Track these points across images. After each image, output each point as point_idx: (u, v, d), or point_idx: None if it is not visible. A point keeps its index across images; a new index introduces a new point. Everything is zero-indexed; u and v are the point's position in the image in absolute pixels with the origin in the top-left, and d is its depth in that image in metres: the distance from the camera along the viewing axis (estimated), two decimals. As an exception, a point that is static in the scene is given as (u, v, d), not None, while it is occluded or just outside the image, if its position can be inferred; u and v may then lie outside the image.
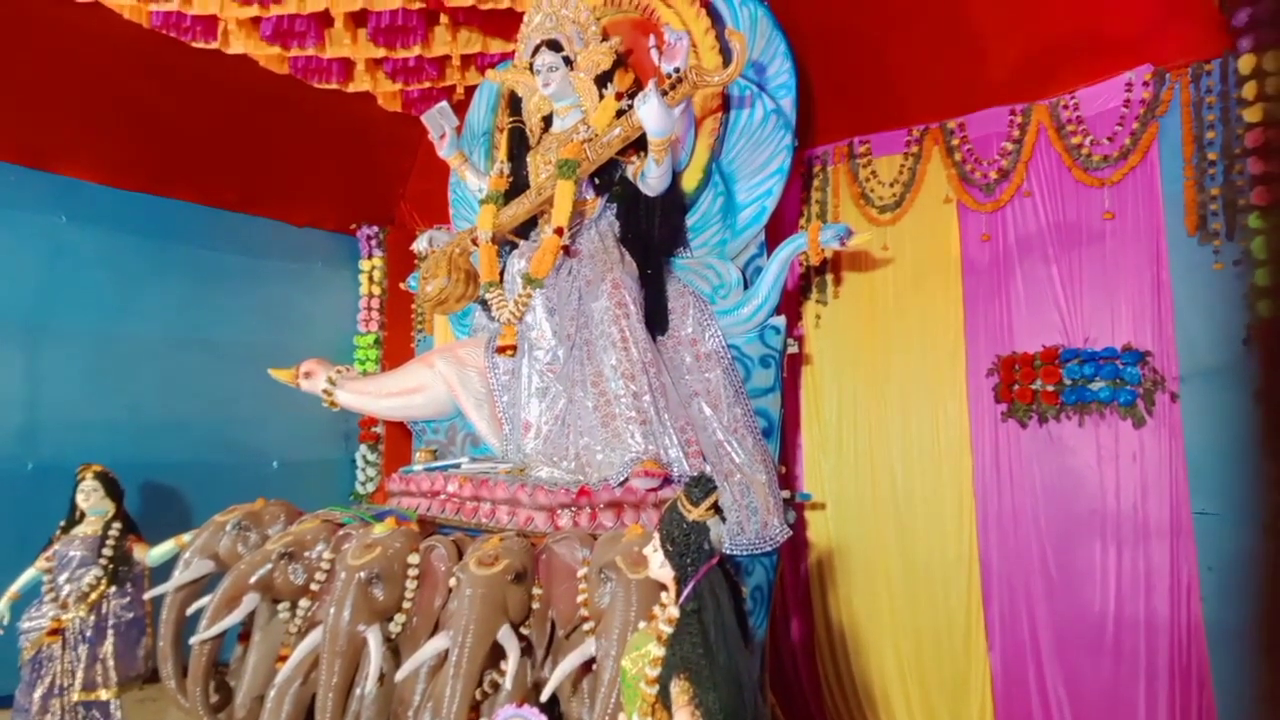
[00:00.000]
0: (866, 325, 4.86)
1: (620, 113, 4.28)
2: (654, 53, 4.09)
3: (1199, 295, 3.89)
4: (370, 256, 7.37)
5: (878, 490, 4.74)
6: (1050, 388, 4.21)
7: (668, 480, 3.97)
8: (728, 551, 2.50)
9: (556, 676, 3.05)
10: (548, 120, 4.75)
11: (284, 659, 3.62)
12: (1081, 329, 4.25)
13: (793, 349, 4.69)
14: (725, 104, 4.47)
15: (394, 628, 3.44)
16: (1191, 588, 3.82)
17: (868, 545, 4.77)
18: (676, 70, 3.87)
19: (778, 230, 4.66)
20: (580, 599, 3.19)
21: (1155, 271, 4.04)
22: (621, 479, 3.92)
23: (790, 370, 4.79)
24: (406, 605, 3.44)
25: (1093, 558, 4.10)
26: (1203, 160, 3.92)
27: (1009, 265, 4.49)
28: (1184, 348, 3.93)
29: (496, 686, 3.23)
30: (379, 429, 7.20)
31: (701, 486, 2.41)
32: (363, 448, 7.22)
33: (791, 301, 4.99)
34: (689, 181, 4.47)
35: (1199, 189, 3.91)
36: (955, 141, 4.64)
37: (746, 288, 4.47)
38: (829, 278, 5.01)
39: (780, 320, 4.43)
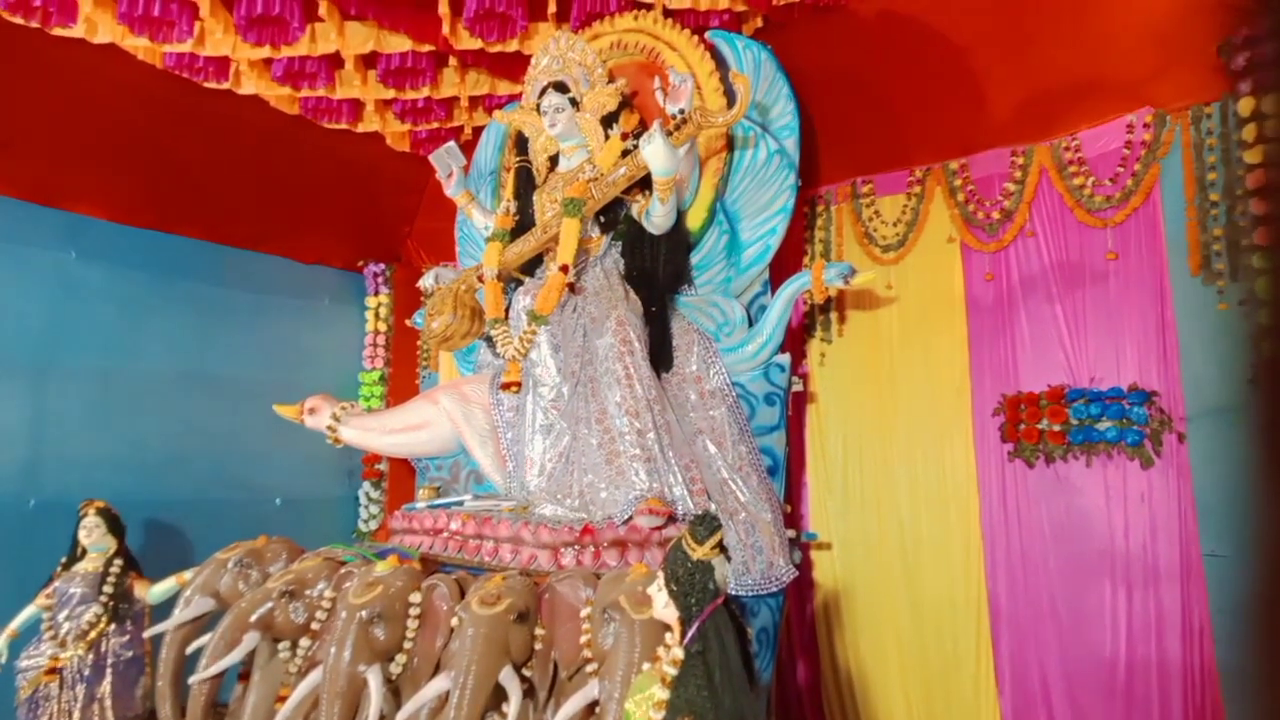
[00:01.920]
0: (871, 363, 4.86)
1: (625, 152, 4.34)
2: (659, 94, 4.15)
3: (1204, 335, 3.89)
4: (377, 293, 7.41)
5: (884, 529, 4.70)
6: (1057, 427, 4.19)
7: (672, 518, 3.94)
8: (733, 592, 2.47)
9: (560, 719, 3.01)
10: (554, 160, 4.81)
11: (284, 699, 3.57)
12: (1087, 368, 4.24)
13: (797, 387, 4.68)
14: (730, 144, 4.52)
15: (395, 668, 3.39)
16: (1204, 630, 3.77)
17: (874, 586, 4.71)
18: (681, 111, 3.93)
19: (782, 269, 4.69)
20: (584, 639, 3.15)
21: (1160, 311, 4.05)
22: (626, 517, 3.90)
23: (795, 408, 4.78)
24: (408, 645, 3.40)
25: (1103, 600, 4.05)
26: (1205, 201, 3.94)
27: (1013, 304, 4.50)
28: (1190, 388, 3.92)
29: (498, 729, 3.18)
30: (382, 466, 7.18)
31: (706, 525, 2.39)
32: (366, 485, 7.19)
33: (796, 339, 5.00)
34: (694, 220, 4.51)
35: (1202, 229, 3.93)
36: (958, 182, 4.68)
37: (751, 325, 4.48)
38: (833, 316, 5.02)
39: (785, 358, 4.44)
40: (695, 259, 4.60)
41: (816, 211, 5.20)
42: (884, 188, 4.99)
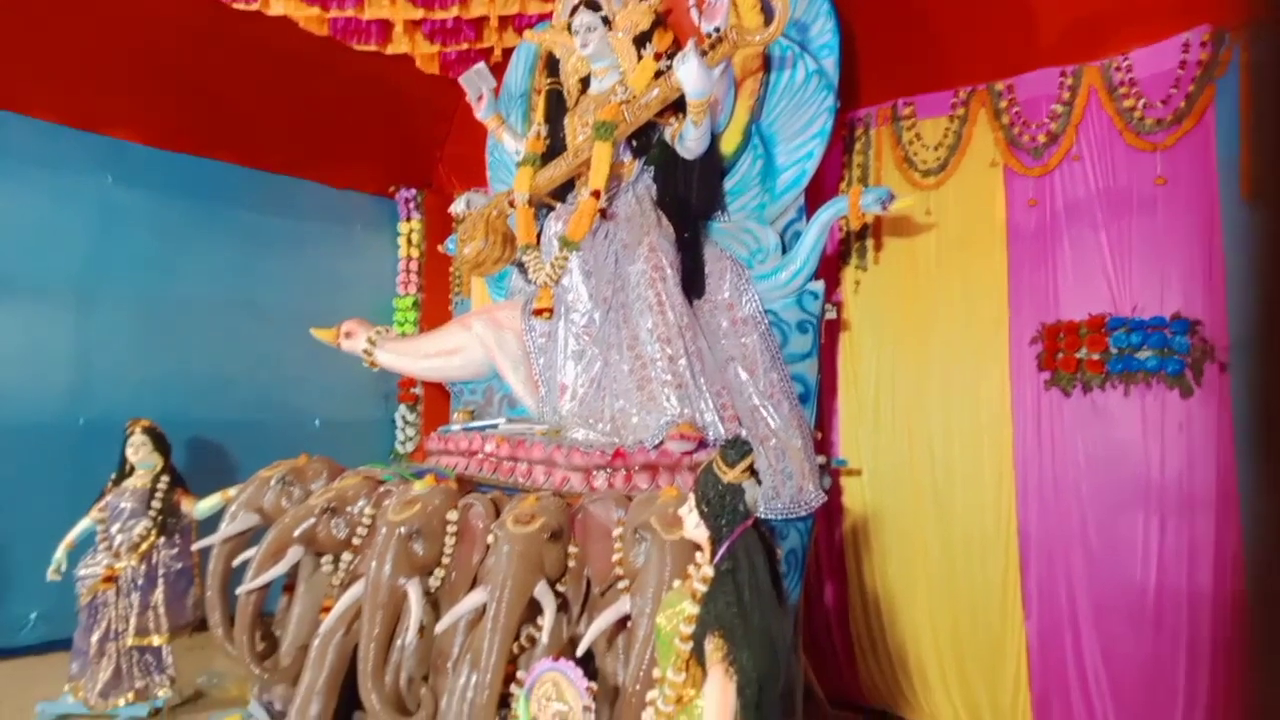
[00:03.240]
0: (907, 291, 4.79)
1: (659, 73, 4.24)
2: (693, 12, 4.05)
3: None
4: (409, 219, 7.43)
5: (915, 458, 4.70)
6: (1096, 356, 4.13)
7: (703, 444, 3.98)
8: (762, 516, 2.51)
9: (592, 632, 3.10)
10: (585, 82, 4.72)
11: (327, 610, 3.72)
12: (1130, 297, 4.15)
13: (831, 315, 4.65)
14: (766, 65, 4.40)
15: (434, 582, 3.51)
16: (1237, 561, 3.75)
17: (904, 513, 4.74)
18: (716, 30, 3.82)
19: (817, 194, 4.60)
20: (615, 558, 3.23)
21: (1208, 238, 3.93)
22: (657, 442, 3.94)
23: (828, 336, 4.75)
24: (445, 560, 3.51)
25: (1135, 529, 4.04)
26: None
27: (1056, 231, 4.38)
28: (1236, 316, 3.82)
29: (533, 641, 3.29)
30: (418, 390, 7.31)
31: (737, 449, 2.41)
32: (402, 408, 7.33)
33: (830, 267, 4.94)
34: (728, 144, 4.43)
35: (1256, 153, 3.78)
36: (1003, 104, 4.52)
37: (784, 252, 4.43)
38: (869, 243, 4.94)
39: (818, 285, 4.40)
40: (729, 184, 4.53)
41: (855, 135, 5.06)
42: (925, 110, 4.83)
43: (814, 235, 4.32)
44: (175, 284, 6.18)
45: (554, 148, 4.71)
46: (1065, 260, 4.35)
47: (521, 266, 4.71)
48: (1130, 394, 4.08)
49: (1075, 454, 4.22)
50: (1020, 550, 4.33)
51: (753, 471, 2.42)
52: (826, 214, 4.33)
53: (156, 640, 4.57)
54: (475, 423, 4.83)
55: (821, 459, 4.45)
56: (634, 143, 4.50)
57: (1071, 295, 4.29)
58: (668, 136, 4.37)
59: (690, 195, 4.42)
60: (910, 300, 4.78)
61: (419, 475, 3.84)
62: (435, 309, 7.31)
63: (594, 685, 2.83)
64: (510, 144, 5.00)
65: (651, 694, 2.38)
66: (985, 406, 4.49)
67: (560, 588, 3.38)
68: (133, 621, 4.52)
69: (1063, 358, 4.22)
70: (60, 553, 4.63)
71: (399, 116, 6.94)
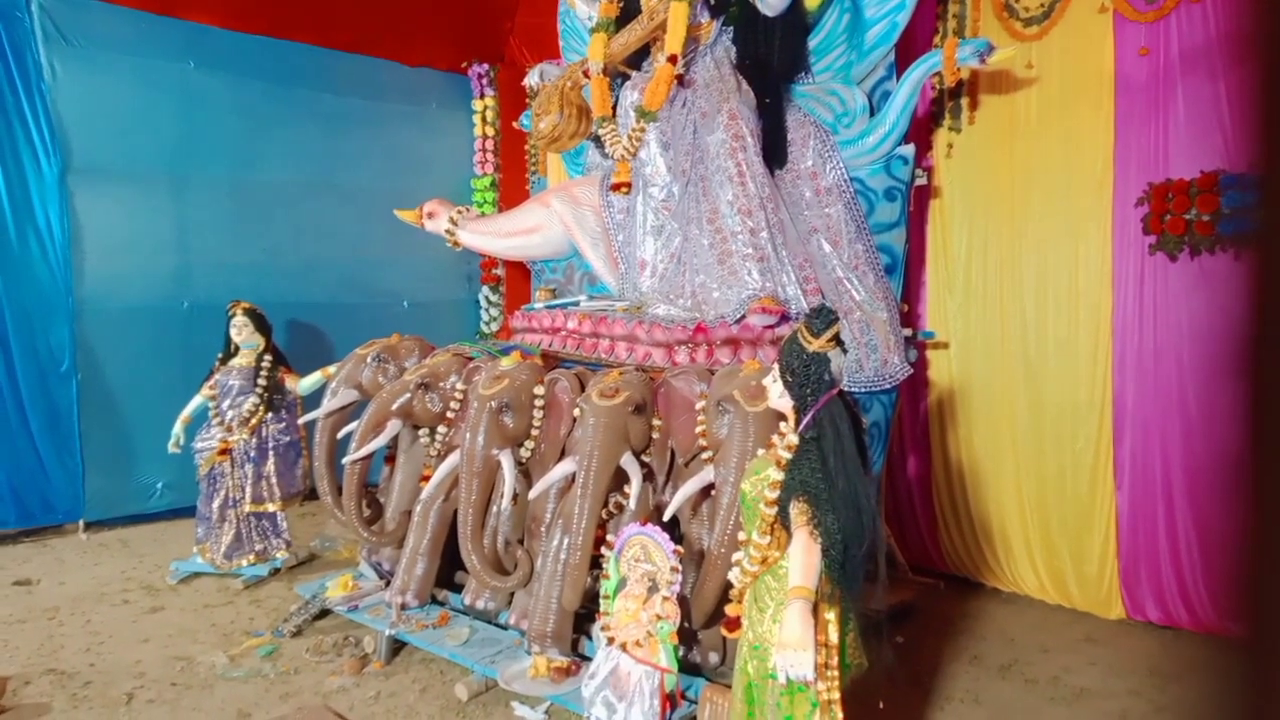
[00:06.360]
0: (1004, 153, 4.53)
1: (738, -77, 3.98)
2: None
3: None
4: (482, 96, 7.33)
5: (1006, 329, 4.57)
6: (1206, 217, 3.87)
7: (785, 317, 3.94)
8: (845, 388, 2.49)
9: (678, 499, 3.20)
10: (660, -62, 4.46)
11: (427, 479, 3.92)
12: (1247, 152, 3.83)
13: (921, 181, 4.46)
14: (854, -93, 4.08)
15: (524, 453, 3.65)
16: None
17: (992, 385, 4.65)
18: None
19: (909, 50, 4.33)
20: (699, 430, 3.28)
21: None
22: (738, 316, 3.92)
23: (917, 204, 4.56)
24: (534, 433, 3.63)
25: (1237, 400, 3.87)
26: None
27: (1169, 82, 4.04)
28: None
29: (621, 508, 3.41)
30: (499, 271, 7.41)
31: (823, 318, 2.38)
32: (485, 289, 7.46)
33: (921, 129, 4.69)
34: (812, -1, 4.17)
35: None
36: (1117, -61, 4.11)
37: (872, 115, 4.22)
38: (964, 101, 4.65)
39: (908, 150, 4.20)
40: (813, 43, 4.30)
41: (950, -18, 4.70)
42: (1029, -49, 4.44)
43: (904, 94, 4.09)
44: (261, 168, 6.31)
45: (628, 11, 4.51)
46: (1177, 114, 4.03)
47: (598, 140, 4.62)
48: (1241, 258, 3.83)
49: (1178, 321, 4.03)
50: (1114, 420, 4.22)
51: (838, 341, 2.38)
52: (918, 71, 4.08)
53: (271, 507, 4.92)
54: (557, 300, 4.88)
55: (908, 331, 4.37)
56: (711, 2, 4.28)
57: (1183, 151, 4.00)
58: (747, -7, 4.14)
59: (772, 56, 4.22)
60: (1007, 163, 4.53)
61: (505, 352, 3.93)
62: (513, 188, 7.30)
63: (680, 548, 2.93)
64: (582, 9, 4.82)
65: (737, 555, 2.45)
66: (1084, 274, 4.29)
67: (645, 458, 3.47)
68: (248, 490, 4.87)
69: (1170, 219, 3.97)
70: (178, 427, 4.97)
71: (468, -14, 6.77)
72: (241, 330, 4.93)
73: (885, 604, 3.76)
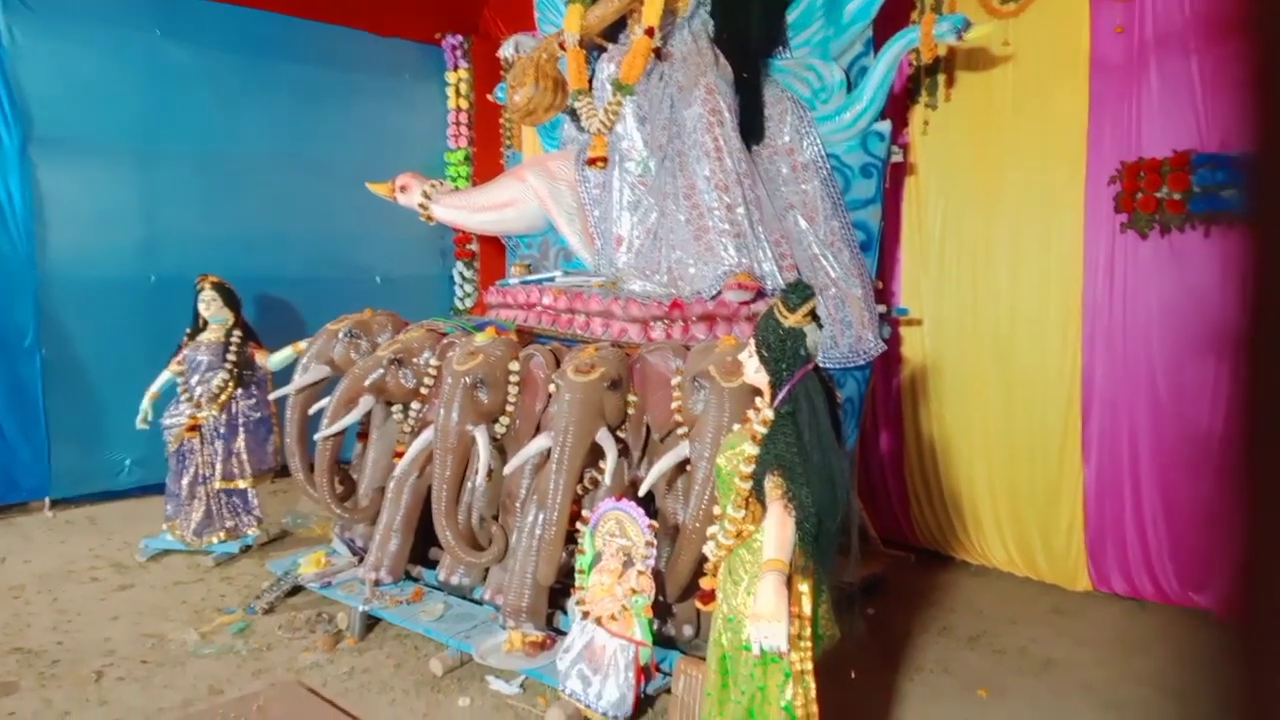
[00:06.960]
0: (980, 131, 4.54)
1: (716, -106, 3.93)
2: None
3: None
4: (456, 68, 7.22)
5: (979, 306, 4.60)
6: (1177, 195, 3.91)
7: (760, 294, 3.94)
8: (820, 364, 2.49)
9: (653, 475, 3.21)
10: (637, -93, 4.40)
11: (400, 455, 3.90)
12: (1219, 132, 3.87)
13: (897, 157, 4.46)
14: (833, -121, 4.04)
15: (499, 429, 3.63)
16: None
17: (964, 361, 4.69)
18: None
19: (886, 25, 4.30)
20: (674, 405, 3.28)
21: (1314, 65, 3.60)
22: (714, 292, 3.92)
23: (893, 180, 4.56)
24: (509, 409, 3.62)
25: (1206, 377, 3.94)
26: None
27: (1144, 61, 4.07)
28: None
29: (596, 483, 3.41)
30: (474, 246, 7.34)
31: (799, 293, 2.37)
32: (459, 264, 7.39)
33: (898, 106, 4.68)
34: (790, -28, 4.14)
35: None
36: (1094, -84, 4.11)
37: (850, 91, 4.21)
38: (940, 78, 4.65)
39: (885, 126, 4.20)
40: (790, 17, 4.27)
41: (928, -42, 4.68)
42: (1007, -73, 4.43)
43: (881, 70, 4.08)
44: (231, 140, 6.18)
45: (605, -18, 4.45)
46: (1151, 93, 4.06)
47: (574, 114, 4.57)
48: (1211, 235, 3.88)
49: (1148, 299, 4.08)
50: (1083, 396, 4.28)
51: (814, 316, 2.38)
52: (896, 46, 4.07)
53: (242, 484, 4.87)
54: (532, 276, 4.84)
55: (882, 308, 4.39)
56: (689, -26, 4.23)
57: (1155, 130, 4.03)
58: (725, -35, 4.10)
59: (749, 30, 4.19)
60: (982, 140, 4.54)
61: (480, 328, 3.90)
62: (487, 162, 7.21)
63: (655, 523, 2.94)
64: (558, -20, 4.75)
65: (712, 529, 2.46)
66: (1056, 252, 4.33)
67: (621, 434, 3.47)
68: (218, 467, 4.81)
69: (1142, 198, 4.01)
70: (145, 403, 4.89)
71: (441, -45, 6.64)
72: (210, 305, 4.85)
73: (857, 576, 3.82)
